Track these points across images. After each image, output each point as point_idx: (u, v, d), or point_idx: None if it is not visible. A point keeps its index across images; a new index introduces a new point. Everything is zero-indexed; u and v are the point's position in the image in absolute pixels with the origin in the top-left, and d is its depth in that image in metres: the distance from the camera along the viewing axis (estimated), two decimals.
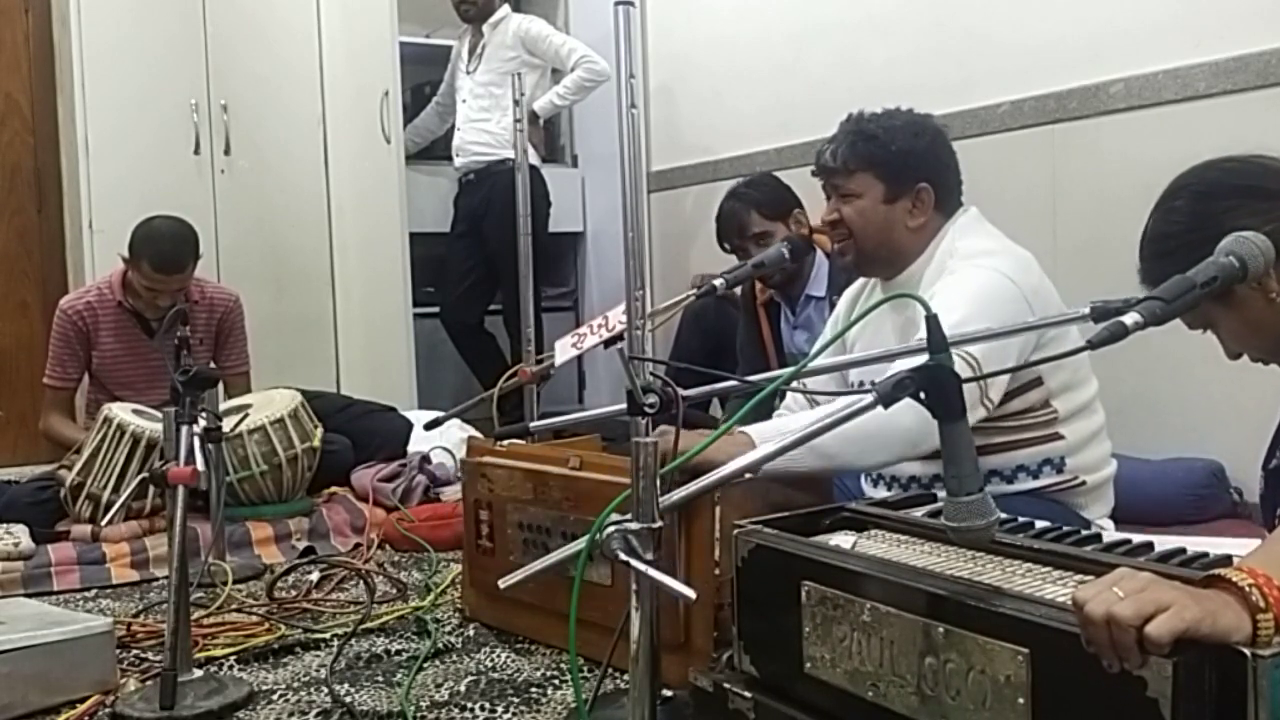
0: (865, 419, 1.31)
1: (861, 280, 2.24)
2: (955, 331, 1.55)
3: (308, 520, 2.94)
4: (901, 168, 2.04)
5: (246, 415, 3.00)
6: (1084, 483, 2.00)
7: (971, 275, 1.93)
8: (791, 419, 1.95)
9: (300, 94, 4.46)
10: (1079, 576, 1.22)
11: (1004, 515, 1.32)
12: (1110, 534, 1.37)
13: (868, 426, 1.39)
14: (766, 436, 1.76)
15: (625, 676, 1.57)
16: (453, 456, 3.30)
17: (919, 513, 1.50)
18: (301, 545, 2.83)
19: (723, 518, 1.69)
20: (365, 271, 4.48)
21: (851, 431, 1.49)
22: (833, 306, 2.95)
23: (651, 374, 1.40)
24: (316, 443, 3.13)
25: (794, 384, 1.98)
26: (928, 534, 1.40)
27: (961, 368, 1.74)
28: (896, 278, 2.09)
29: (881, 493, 2.06)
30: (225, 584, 2.38)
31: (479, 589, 2.13)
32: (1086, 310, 1.52)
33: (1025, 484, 1.98)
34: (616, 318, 2.07)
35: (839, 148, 2.08)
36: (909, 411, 1.23)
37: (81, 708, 1.72)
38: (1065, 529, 1.38)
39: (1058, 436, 1.98)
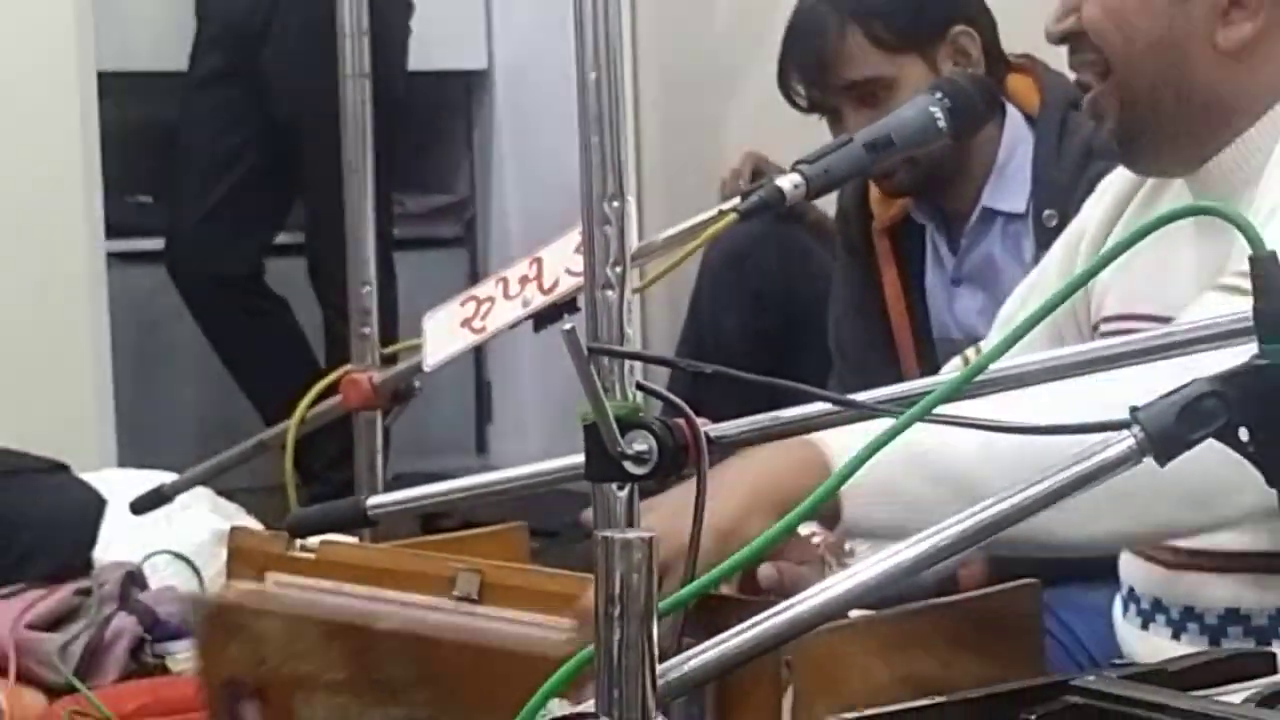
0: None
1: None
2: None
3: None
4: None
5: None
6: None
7: None
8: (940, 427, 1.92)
9: None
10: None
11: None
12: None
13: None
14: (881, 480, 1.75)
15: None
16: (196, 573, 3.29)
17: (1238, 695, 1.50)
18: None
19: (800, 706, 1.69)
20: (2, 159, 4.47)
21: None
22: (1043, 232, 2.98)
23: (641, 386, 1.41)
24: None
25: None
26: None
27: None
28: (1206, 167, 2.09)
29: (1158, 644, 2.07)
30: None
31: None
32: None
33: None
34: (562, 263, 2.07)
35: None
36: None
37: None
38: None
39: None
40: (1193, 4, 2.05)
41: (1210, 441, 1.24)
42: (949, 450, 1.75)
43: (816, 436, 1.78)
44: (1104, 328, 2.16)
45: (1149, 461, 1.35)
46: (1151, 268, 2.10)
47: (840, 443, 1.76)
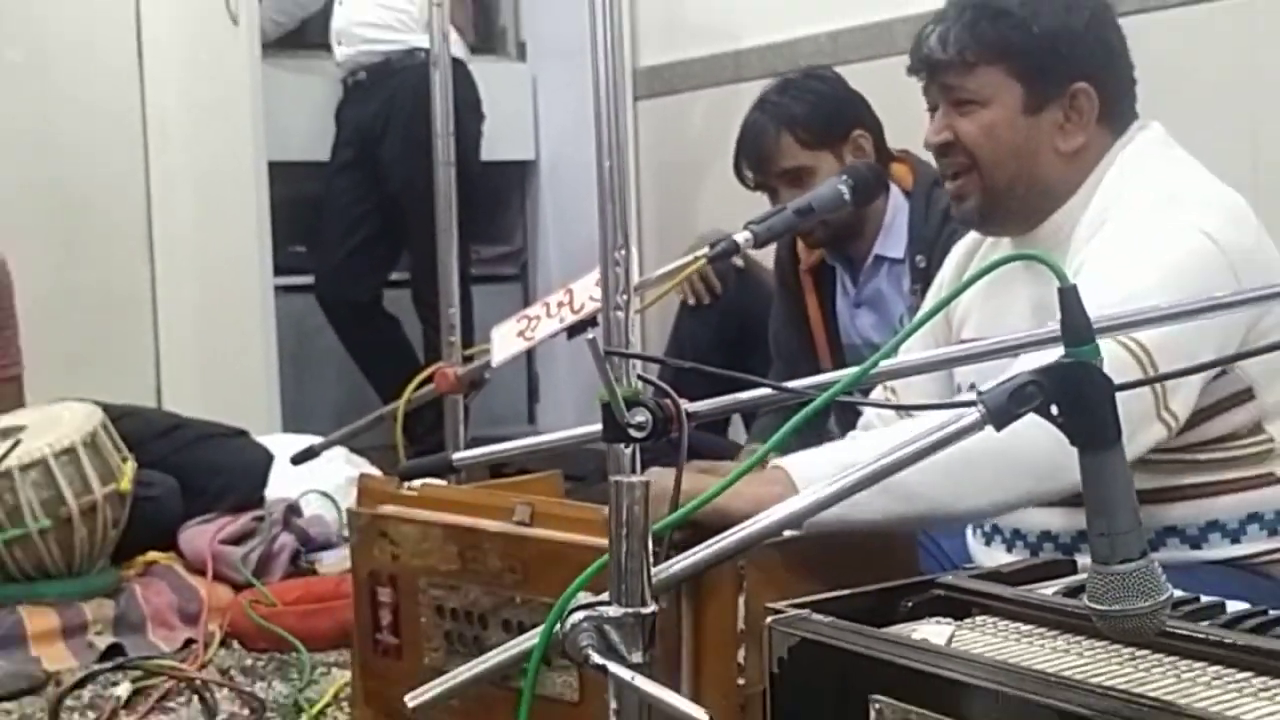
0: (968, 442, 1.31)
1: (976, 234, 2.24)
2: (1119, 314, 1.55)
3: (112, 604, 2.93)
4: (1049, 60, 2.03)
5: (19, 442, 2.99)
6: None
7: (1148, 233, 1.91)
8: (852, 445, 1.95)
9: None
10: None
11: (1181, 594, 1.31)
12: None
13: (971, 451, 1.39)
14: (814, 474, 1.75)
15: None
16: (335, 505, 3.30)
17: (1050, 589, 1.50)
18: (103, 643, 2.82)
19: (750, 598, 1.69)
20: (200, 222, 4.47)
21: (946, 461, 1.48)
22: (915, 272, 3.00)
23: (640, 378, 1.40)
24: (126, 485, 3.12)
25: (862, 390, 1.98)
26: (1063, 621, 1.40)
27: (1127, 364, 1.74)
28: (1035, 231, 2.09)
29: (997, 556, 2.06)
30: None
31: (377, 707, 2.13)
32: None
33: (1220, 550, 1.97)
34: (586, 292, 2.07)
35: (952, 29, 2.06)
36: (1036, 429, 1.24)
37: None
38: (1273, 614, 1.38)
39: (1272, 479, 1.98)
40: (1041, 121, 2.04)
41: (1050, 434, 1.23)
42: (856, 450, 1.76)
43: (783, 461, 1.78)
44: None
45: (1011, 445, 1.36)
46: (995, 305, 2.10)
47: (793, 461, 1.77)
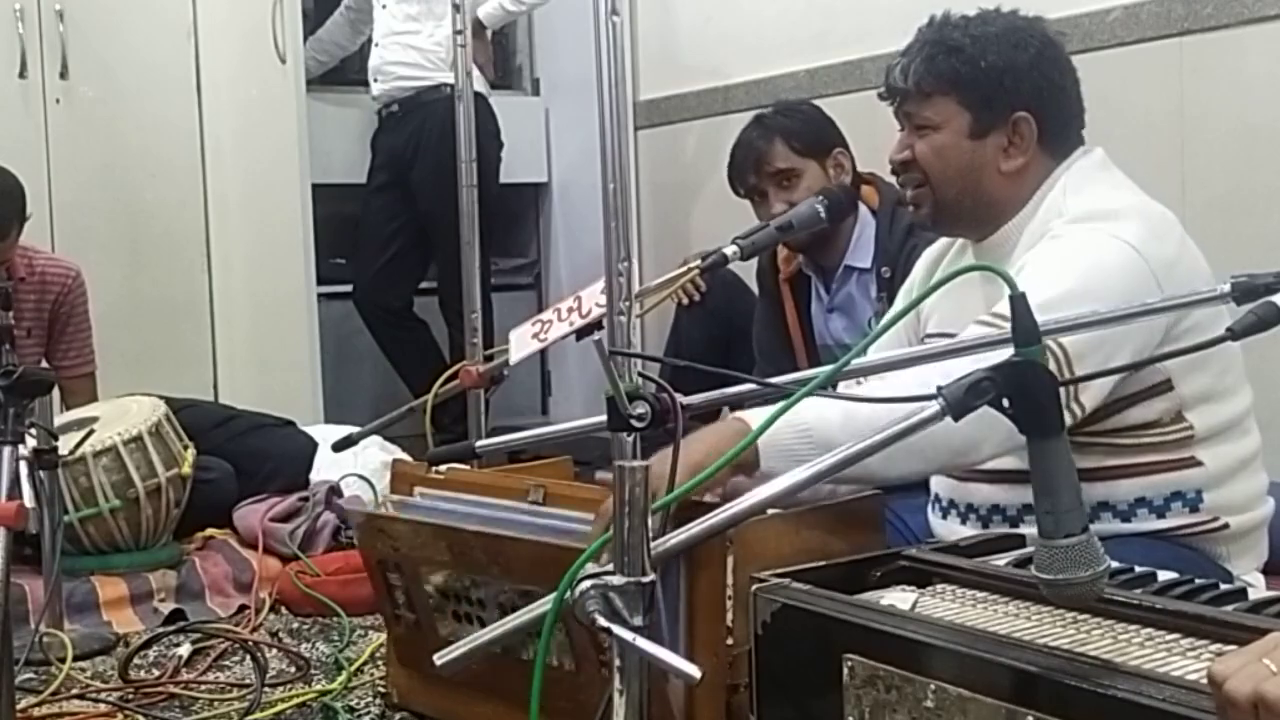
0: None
1: (946, 241, 2.25)
2: (1044, 315, 1.55)
3: (175, 574, 2.93)
4: (994, 90, 2.05)
5: (92, 431, 2.99)
6: (1227, 526, 2.00)
7: (1079, 242, 1.92)
8: (819, 405, 1.93)
9: None
10: (1217, 646, 1.23)
11: (1116, 564, 1.32)
12: (1259, 590, 1.38)
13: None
14: (782, 442, 1.76)
15: None
16: (372, 487, 3.30)
17: (1002, 560, 1.50)
18: (167, 608, 2.82)
19: (737, 568, 1.69)
20: (252, 237, 4.48)
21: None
22: (880, 281, 3.01)
23: (641, 375, 1.40)
24: (187, 469, 3.13)
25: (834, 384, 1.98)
26: (1013, 589, 1.40)
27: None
28: (988, 239, 2.10)
29: (953, 527, 2.07)
30: (63, 661, 2.37)
31: (407, 666, 2.13)
32: (1226, 287, 1.52)
33: (1147, 523, 1.98)
34: (593, 299, 2.07)
35: (913, 63, 2.09)
36: None
37: None
38: (1198, 583, 1.38)
39: (1193, 462, 1.98)
40: (986, 145, 2.07)
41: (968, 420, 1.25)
42: (822, 423, 1.77)
43: (744, 414, 1.80)
44: (926, 340, 2.18)
45: (935, 429, 1.39)
46: (955, 303, 2.11)
47: (758, 418, 1.77)
